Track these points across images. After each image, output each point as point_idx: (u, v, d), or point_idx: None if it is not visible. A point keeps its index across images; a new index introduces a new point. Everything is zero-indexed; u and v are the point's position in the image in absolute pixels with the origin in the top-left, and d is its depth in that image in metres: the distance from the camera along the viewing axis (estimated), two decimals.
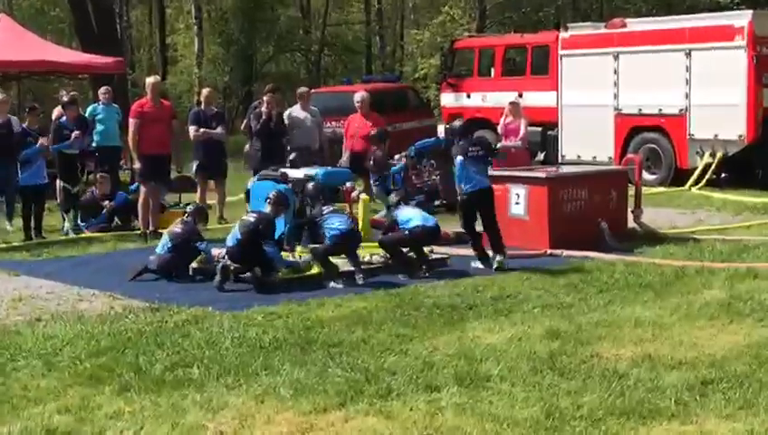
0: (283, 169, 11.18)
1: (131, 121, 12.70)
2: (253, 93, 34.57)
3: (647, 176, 18.07)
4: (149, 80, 13.28)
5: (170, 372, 6.45)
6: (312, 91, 23.64)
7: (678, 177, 17.92)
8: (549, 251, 11.01)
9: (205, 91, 14.81)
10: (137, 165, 13.16)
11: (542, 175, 11.84)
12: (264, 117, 13.84)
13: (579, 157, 18.99)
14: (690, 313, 7.89)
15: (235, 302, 8.75)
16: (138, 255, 10.94)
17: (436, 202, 15.18)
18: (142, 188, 12.88)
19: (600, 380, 6.12)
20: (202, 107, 14.32)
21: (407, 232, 10.10)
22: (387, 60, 42.22)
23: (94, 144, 14.97)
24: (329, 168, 12.27)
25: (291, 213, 10.67)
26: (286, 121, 14.06)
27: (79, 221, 13.65)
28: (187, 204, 15.21)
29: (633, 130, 18.64)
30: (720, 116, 16.99)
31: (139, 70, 41.11)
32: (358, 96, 14.78)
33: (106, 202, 13.90)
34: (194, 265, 9.94)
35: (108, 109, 15.23)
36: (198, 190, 14.45)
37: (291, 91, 15.36)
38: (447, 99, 22.36)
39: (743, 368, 6.26)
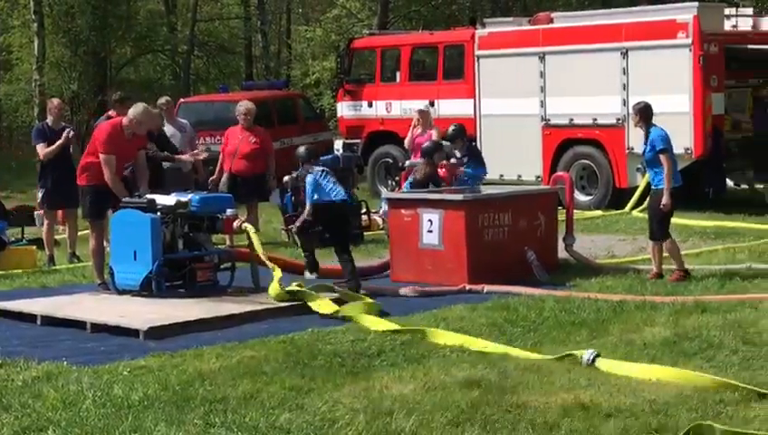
0: (150, 196, 11.28)
1: None
2: (107, 104, 34.37)
3: (580, 197, 18.71)
4: None
5: None
6: (181, 100, 24.00)
7: (617, 198, 18.53)
8: (467, 286, 11.35)
9: (54, 101, 14.79)
10: None
11: (458, 197, 12.20)
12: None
13: (501, 176, 19.41)
14: (630, 353, 8.28)
15: (94, 355, 8.83)
16: None
17: None
18: None
19: (527, 432, 6.44)
20: (48, 121, 14.30)
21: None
22: (271, 62, 42.46)
23: None
24: (205, 192, 12.40)
25: (159, 246, 10.78)
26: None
27: None
28: (32, 240, 15.22)
29: (564, 144, 19.21)
30: (664, 127, 17.56)
31: None
32: (242, 106, 14.93)
33: None
34: None
35: None
36: (45, 223, 14.40)
37: (155, 100, 15.40)
38: (345, 108, 22.69)
39: (688, 415, 6.64)
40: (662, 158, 11.36)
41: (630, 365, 7.75)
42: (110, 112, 13.84)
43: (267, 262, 11.09)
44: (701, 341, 8.60)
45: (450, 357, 8.38)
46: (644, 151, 11.62)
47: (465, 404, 6.98)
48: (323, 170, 11.95)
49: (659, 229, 11.55)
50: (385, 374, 7.89)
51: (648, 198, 17.16)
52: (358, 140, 22.13)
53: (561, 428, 6.49)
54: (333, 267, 11.92)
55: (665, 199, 11.30)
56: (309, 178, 11.82)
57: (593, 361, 7.52)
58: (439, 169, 14.12)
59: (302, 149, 12.66)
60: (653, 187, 11.69)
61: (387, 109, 21.66)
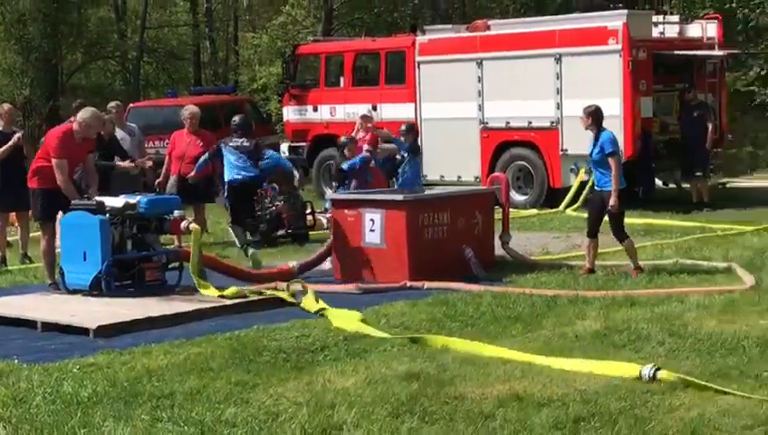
0: (99, 198, 11.21)
1: None
2: (59, 109, 34.06)
3: (517, 197, 18.86)
4: None
5: None
6: (131, 105, 23.85)
7: (552, 197, 18.71)
8: (408, 283, 11.40)
9: (5, 106, 14.62)
10: None
11: (399, 198, 12.25)
12: None
13: (442, 177, 19.58)
14: (562, 346, 8.37)
15: (45, 353, 8.76)
16: None
17: (280, 232, 15.45)
18: None
19: (464, 422, 6.49)
20: (0, 127, 14.14)
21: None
22: (219, 68, 42.31)
23: None
24: (153, 195, 12.36)
25: (108, 247, 10.72)
26: None
27: None
28: None
29: (501, 146, 19.36)
30: None
31: None
32: (186, 110, 14.92)
33: None
34: None
35: None
36: None
37: (105, 106, 15.28)
38: (291, 113, 22.70)
39: (617, 404, 6.73)
40: (611, 160, 11.44)
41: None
42: (72, 119, 13.73)
43: (197, 266, 11.03)
44: (630, 333, 8.69)
45: (391, 351, 8.41)
46: (591, 153, 11.66)
47: (405, 396, 7.01)
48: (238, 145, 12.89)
49: (619, 230, 11.64)
50: (328, 369, 7.91)
51: (584, 197, 17.55)
52: (303, 144, 22.14)
53: (495, 418, 6.54)
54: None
55: (612, 201, 11.41)
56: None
57: (654, 375, 7.12)
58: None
59: (236, 118, 13.46)
60: (598, 187, 11.76)
61: (331, 113, 21.69)
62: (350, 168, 14.40)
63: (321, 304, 10.04)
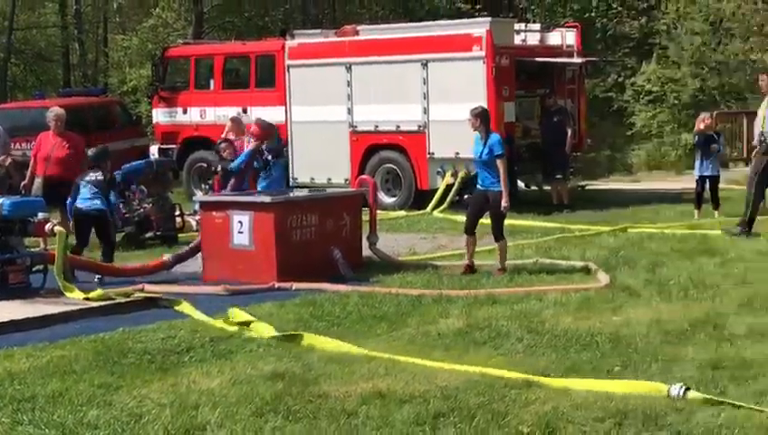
0: None
1: None
2: None
3: (386, 199, 18.99)
4: None
5: None
6: None
7: (420, 199, 18.88)
8: (276, 284, 11.36)
9: None
10: None
11: (267, 199, 12.20)
12: None
13: (312, 180, 19.55)
14: (426, 343, 8.46)
15: None
16: None
17: (149, 234, 15.24)
18: None
19: (327, 420, 6.50)
20: None
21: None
22: (89, 70, 41.43)
23: None
24: (18, 197, 12.07)
25: None
26: None
27: None
28: None
29: (370, 149, 19.44)
30: (461, 133, 17.82)
31: None
32: (52, 112, 14.56)
33: None
34: None
35: None
36: None
37: None
38: (160, 115, 22.39)
39: (476, 399, 6.82)
40: (499, 162, 11.59)
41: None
42: None
43: (61, 269, 10.82)
44: (491, 330, 8.83)
45: (257, 352, 8.38)
46: (480, 154, 11.73)
47: (270, 396, 6.99)
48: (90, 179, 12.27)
49: (499, 230, 11.78)
50: (193, 370, 7.83)
51: (450, 199, 17.77)
52: (173, 146, 21.86)
53: (358, 415, 6.57)
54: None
55: (504, 201, 11.55)
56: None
57: (684, 394, 6.66)
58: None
59: (91, 150, 12.93)
60: (482, 187, 11.84)
61: (201, 115, 21.49)
62: (237, 166, 13.84)
63: (248, 317, 9.40)
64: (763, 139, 13.87)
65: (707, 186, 16.49)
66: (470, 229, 11.92)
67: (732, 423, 6.16)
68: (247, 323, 9.17)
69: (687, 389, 6.68)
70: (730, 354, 7.75)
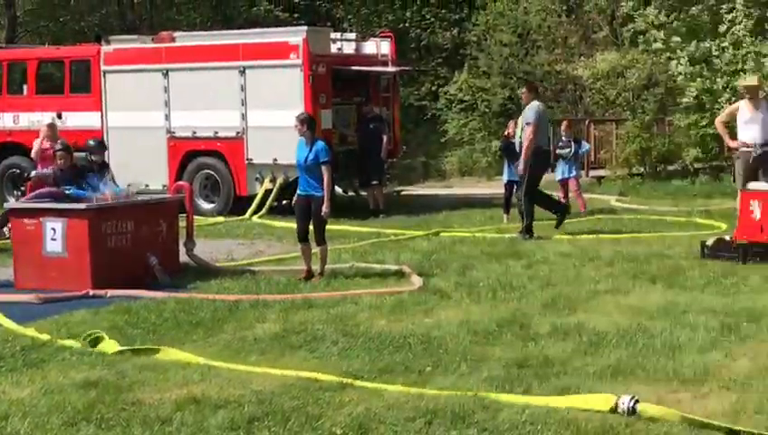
0: None
1: None
2: None
3: (204, 205, 18.80)
4: None
5: None
6: None
7: (239, 205, 18.75)
8: (91, 291, 11.09)
9: None
10: None
11: (81, 206, 11.88)
12: None
13: (129, 186, 19.05)
14: (242, 348, 8.40)
15: None
16: None
17: None
18: None
19: (141, 427, 6.38)
20: None
21: None
22: None
23: None
24: None
25: None
26: None
27: None
28: None
29: (188, 155, 19.22)
30: (279, 139, 17.89)
31: None
32: None
33: None
34: None
35: None
36: None
37: None
38: None
39: (291, 403, 6.81)
40: (324, 168, 11.56)
41: None
42: None
43: None
44: (306, 334, 8.84)
45: (70, 360, 8.15)
46: (306, 158, 11.66)
47: (82, 405, 6.81)
48: None
49: (322, 235, 11.74)
50: (3, 380, 7.58)
51: (269, 205, 17.71)
52: None
53: (173, 422, 6.47)
54: None
55: (326, 207, 11.52)
56: None
57: (633, 409, 6.36)
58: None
59: None
60: (303, 192, 11.76)
61: (14, 120, 20.80)
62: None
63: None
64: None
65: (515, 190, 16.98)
66: (302, 236, 11.85)
67: (536, 420, 6.34)
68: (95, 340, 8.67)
69: (637, 401, 6.41)
70: (534, 353, 7.99)
